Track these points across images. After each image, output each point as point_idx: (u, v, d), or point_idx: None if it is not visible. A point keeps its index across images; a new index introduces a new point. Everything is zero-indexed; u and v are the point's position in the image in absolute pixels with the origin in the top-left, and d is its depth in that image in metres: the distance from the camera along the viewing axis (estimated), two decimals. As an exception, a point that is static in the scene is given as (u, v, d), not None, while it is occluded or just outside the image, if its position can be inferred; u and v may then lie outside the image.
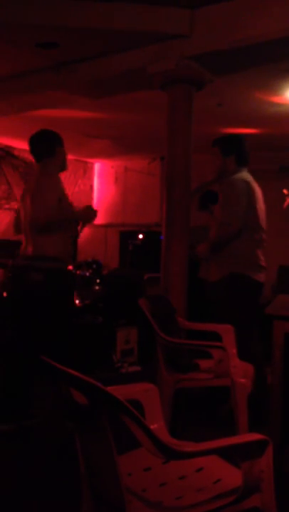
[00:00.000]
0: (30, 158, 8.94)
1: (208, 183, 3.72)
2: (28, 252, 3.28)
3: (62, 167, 3.54)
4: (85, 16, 3.81)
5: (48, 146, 3.43)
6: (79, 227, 3.41)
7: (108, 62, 4.41)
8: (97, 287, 5.15)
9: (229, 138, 3.75)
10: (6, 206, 7.86)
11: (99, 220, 3.47)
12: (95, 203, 9.50)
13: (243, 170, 3.56)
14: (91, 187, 9.49)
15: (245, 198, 3.39)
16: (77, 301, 4.94)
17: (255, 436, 1.50)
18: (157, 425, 1.81)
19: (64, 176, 3.58)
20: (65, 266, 3.27)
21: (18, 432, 2.99)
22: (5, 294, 4.77)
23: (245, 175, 3.53)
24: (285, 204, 5.38)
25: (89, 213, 3.43)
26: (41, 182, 3.28)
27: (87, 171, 9.40)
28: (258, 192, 3.52)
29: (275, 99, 5.29)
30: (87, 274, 5.10)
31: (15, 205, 7.99)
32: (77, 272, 5.08)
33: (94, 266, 5.21)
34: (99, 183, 9.54)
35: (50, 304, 3.12)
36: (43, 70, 4.71)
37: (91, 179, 9.50)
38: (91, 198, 9.49)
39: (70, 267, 5.16)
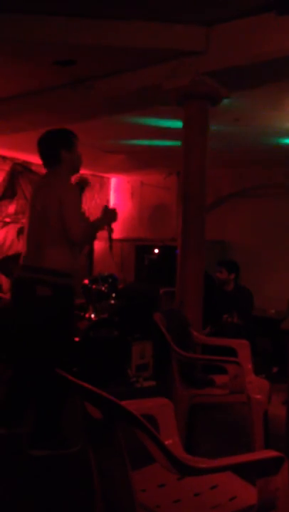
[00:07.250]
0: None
1: None
2: (34, 264, 3.02)
3: (74, 170, 3.25)
4: (102, 34, 3.86)
5: (52, 150, 3.16)
6: (109, 233, 3.21)
7: (124, 79, 4.46)
8: (112, 301, 5.16)
9: None
10: (24, 221, 7.90)
11: (115, 234, 3.36)
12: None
13: None
14: (107, 201, 9.54)
15: None
16: (92, 315, 4.96)
17: (271, 453, 1.48)
18: (172, 441, 1.80)
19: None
20: (72, 282, 3.07)
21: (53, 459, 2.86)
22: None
23: None
24: None
25: (110, 214, 3.20)
26: (64, 195, 2.97)
27: (103, 185, 9.46)
28: None
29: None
30: (103, 288, 5.11)
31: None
32: (93, 287, 5.11)
33: (110, 280, 5.22)
34: (115, 198, 9.59)
35: (56, 320, 2.98)
36: (60, 86, 4.78)
37: (107, 194, 9.55)
38: (107, 213, 9.54)
39: (86, 281, 5.20)
